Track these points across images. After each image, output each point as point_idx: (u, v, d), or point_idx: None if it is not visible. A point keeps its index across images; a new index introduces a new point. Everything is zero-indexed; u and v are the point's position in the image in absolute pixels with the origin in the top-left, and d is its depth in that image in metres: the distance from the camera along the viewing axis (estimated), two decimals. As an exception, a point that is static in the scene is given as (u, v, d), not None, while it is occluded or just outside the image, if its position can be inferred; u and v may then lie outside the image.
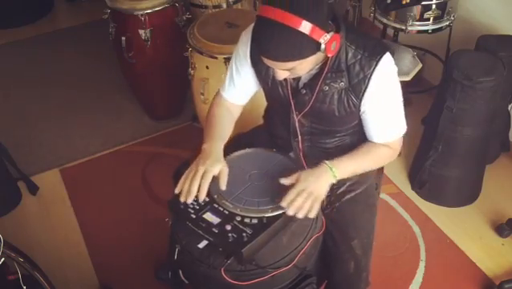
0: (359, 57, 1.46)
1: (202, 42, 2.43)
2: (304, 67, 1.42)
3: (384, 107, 1.53)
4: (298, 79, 1.55)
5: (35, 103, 3.40)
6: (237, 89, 1.70)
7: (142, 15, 2.70)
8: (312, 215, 1.44)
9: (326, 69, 1.47)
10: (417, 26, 2.69)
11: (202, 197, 1.47)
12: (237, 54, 1.65)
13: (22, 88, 3.54)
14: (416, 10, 2.64)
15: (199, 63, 2.49)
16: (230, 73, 1.69)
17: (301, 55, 1.34)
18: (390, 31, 2.98)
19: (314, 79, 1.51)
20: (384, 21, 2.78)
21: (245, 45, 1.60)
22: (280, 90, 1.59)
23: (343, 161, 1.55)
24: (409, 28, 2.67)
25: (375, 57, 1.46)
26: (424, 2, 2.59)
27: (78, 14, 4.37)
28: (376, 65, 1.45)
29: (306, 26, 1.29)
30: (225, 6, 2.94)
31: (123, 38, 2.78)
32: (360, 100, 1.50)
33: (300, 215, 1.43)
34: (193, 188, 1.46)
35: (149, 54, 2.85)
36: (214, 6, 2.94)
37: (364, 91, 1.48)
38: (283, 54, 1.34)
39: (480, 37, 2.52)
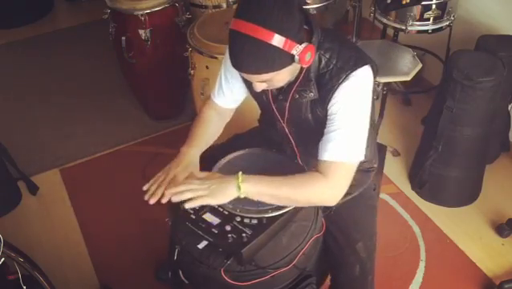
0: (330, 67, 1.42)
1: (202, 42, 2.43)
2: (281, 79, 1.40)
3: (343, 122, 1.42)
4: (280, 87, 1.53)
5: (35, 103, 3.40)
6: (226, 96, 1.69)
7: (142, 15, 2.71)
8: (186, 206, 1.40)
9: (299, 78, 1.45)
10: (417, 26, 2.69)
11: (164, 201, 1.47)
12: (225, 62, 1.64)
13: (22, 88, 3.54)
14: (416, 10, 2.64)
15: (199, 63, 2.49)
16: (219, 80, 1.68)
17: (273, 68, 1.33)
18: (390, 31, 2.98)
19: (289, 86, 1.50)
20: (384, 21, 2.78)
21: None
22: (264, 97, 1.59)
23: (258, 179, 1.42)
24: (409, 28, 2.68)
25: (346, 70, 1.40)
26: (424, 2, 2.59)
27: (78, 14, 4.37)
28: (345, 78, 1.40)
29: (277, 40, 1.27)
30: (225, 6, 2.95)
31: (123, 38, 2.78)
32: (326, 110, 1.45)
33: (174, 199, 1.41)
34: (158, 192, 1.50)
35: (149, 54, 2.85)
36: (214, 6, 2.95)
37: (329, 101, 1.43)
38: (255, 67, 1.32)
39: (480, 37, 2.52)
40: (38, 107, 3.36)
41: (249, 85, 1.60)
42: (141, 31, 2.76)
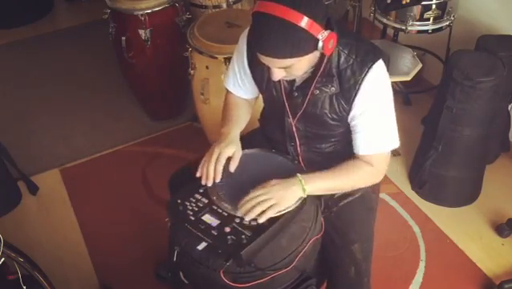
0: (351, 62, 1.44)
1: (202, 42, 2.43)
2: (300, 67, 1.41)
3: (373, 115, 1.48)
4: (292, 83, 1.54)
5: (35, 103, 3.40)
6: (242, 88, 1.72)
7: (142, 15, 2.70)
8: (260, 220, 1.41)
9: (318, 72, 1.46)
10: (417, 26, 2.69)
11: (217, 178, 1.52)
12: (238, 56, 1.65)
13: (22, 88, 3.54)
14: (416, 10, 2.63)
15: (199, 63, 2.49)
16: (234, 73, 1.69)
17: (299, 52, 1.33)
18: (390, 31, 2.98)
19: (307, 82, 1.50)
20: (384, 21, 2.78)
21: (242, 48, 1.60)
22: (274, 93, 1.59)
23: (317, 177, 1.50)
24: (409, 28, 2.67)
25: (368, 63, 1.43)
26: (424, 2, 2.59)
27: (78, 14, 4.37)
28: (368, 71, 1.43)
29: (305, 22, 1.28)
30: (225, 6, 2.94)
31: (123, 38, 2.78)
32: (350, 106, 1.48)
33: (247, 218, 1.41)
34: (210, 172, 1.51)
35: (149, 54, 2.85)
36: (214, 6, 2.94)
37: (355, 96, 1.46)
38: (282, 50, 1.33)
39: (480, 37, 2.51)
40: (38, 107, 3.36)
41: (259, 80, 1.60)
42: (141, 31, 2.76)
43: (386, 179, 2.68)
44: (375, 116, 1.49)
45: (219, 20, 2.58)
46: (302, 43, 1.32)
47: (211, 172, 1.51)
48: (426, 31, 2.71)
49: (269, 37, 1.32)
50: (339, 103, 1.49)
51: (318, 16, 1.31)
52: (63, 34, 4.14)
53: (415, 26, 2.68)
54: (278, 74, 1.43)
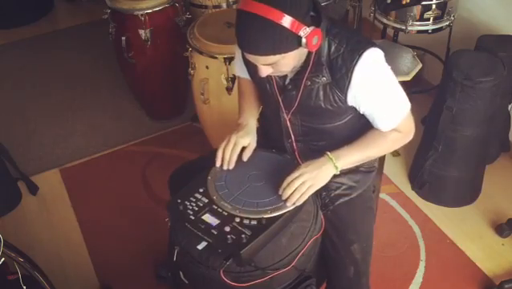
0: (341, 51, 1.44)
1: (202, 42, 2.43)
2: (287, 63, 1.41)
3: (377, 96, 1.49)
4: (284, 77, 1.54)
5: (35, 103, 3.40)
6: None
7: (142, 15, 2.71)
8: (299, 202, 1.46)
9: (310, 63, 1.46)
10: (417, 26, 2.69)
11: (231, 166, 1.58)
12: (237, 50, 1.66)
13: (22, 88, 3.54)
14: (416, 10, 2.63)
15: (199, 63, 2.49)
16: (239, 59, 1.68)
17: (280, 50, 1.34)
18: (390, 31, 2.98)
19: (299, 74, 1.50)
20: (384, 21, 2.78)
21: None
22: (268, 88, 1.59)
23: (347, 151, 1.54)
24: (409, 28, 2.67)
25: (358, 50, 1.42)
26: (424, 2, 2.59)
27: (78, 14, 4.37)
28: (359, 58, 1.42)
29: (286, 20, 1.29)
30: (225, 6, 2.94)
31: (123, 38, 2.78)
32: (346, 95, 1.48)
33: (289, 203, 1.45)
34: (227, 157, 1.58)
35: (149, 54, 2.85)
36: (214, 6, 2.94)
37: (348, 85, 1.45)
38: (264, 48, 1.33)
39: (480, 37, 2.51)
40: (38, 107, 3.36)
41: (252, 74, 1.61)
42: (141, 31, 2.76)
43: (386, 179, 2.69)
44: (380, 97, 1.49)
45: (219, 20, 2.58)
46: (283, 41, 1.33)
47: (228, 158, 1.58)
48: (426, 31, 2.71)
49: (249, 35, 1.33)
50: (334, 92, 1.49)
51: (299, 13, 1.31)
52: (63, 34, 4.15)
53: (415, 26, 2.68)
54: (264, 70, 1.43)
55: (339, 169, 1.51)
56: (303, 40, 1.33)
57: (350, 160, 1.55)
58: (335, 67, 1.45)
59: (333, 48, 1.44)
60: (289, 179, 1.47)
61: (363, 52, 1.42)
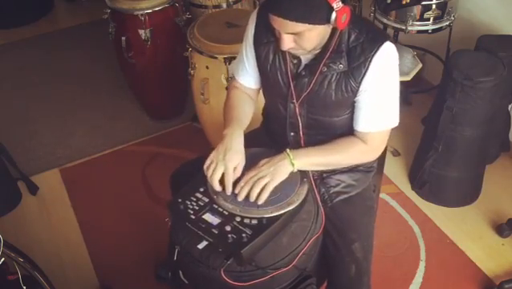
0: (361, 40, 1.46)
1: (202, 42, 2.43)
2: (310, 38, 1.41)
3: (377, 93, 1.50)
4: (297, 65, 1.54)
5: (35, 103, 3.40)
6: (249, 73, 1.71)
7: (142, 15, 2.71)
8: (262, 199, 1.45)
9: (330, 48, 1.47)
10: (417, 26, 2.69)
11: (228, 192, 1.50)
12: (246, 38, 1.66)
13: (22, 88, 3.54)
14: (416, 10, 2.64)
15: (199, 63, 2.49)
16: (241, 58, 1.69)
17: (311, 19, 1.35)
18: (390, 31, 2.97)
19: (316, 60, 1.51)
20: (384, 21, 2.78)
21: (252, 25, 1.61)
22: (279, 76, 1.58)
23: (307, 152, 1.55)
24: (409, 28, 2.67)
25: (378, 41, 1.45)
26: (424, 2, 2.59)
27: (78, 14, 4.37)
28: (378, 48, 1.45)
29: None
30: (225, 6, 2.95)
31: (123, 38, 2.78)
32: (359, 84, 1.49)
33: (251, 199, 1.46)
34: (218, 187, 1.50)
35: (149, 54, 2.86)
36: (214, 6, 2.95)
37: (364, 74, 1.47)
38: (296, 13, 1.34)
39: (480, 37, 2.52)
40: (38, 107, 3.36)
41: (263, 60, 1.59)
42: (141, 31, 2.76)
43: (386, 179, 2.69)
44: (379, 95, 1.50)
45: (219, 20, 2.58)
46: (316, 10, 1.34)
47: (218, 188, 1.49)
48: (426, 31, 2.71)
49: None
50: (347, 82, 1.49)
51: None
52: (63, 34, 4.15)
53: (415, 26, 2.68)
54: (287, 42, 1.43)
55: (296, 167, 1.51)
56: (333, 15, 1.34)
57: (308, 161, 1.54)
58: (353, 56, 1.47)
59: (353, 37, 1.47)
60: (247, 177, 1.48)
61: (381, 44, 1.45)
